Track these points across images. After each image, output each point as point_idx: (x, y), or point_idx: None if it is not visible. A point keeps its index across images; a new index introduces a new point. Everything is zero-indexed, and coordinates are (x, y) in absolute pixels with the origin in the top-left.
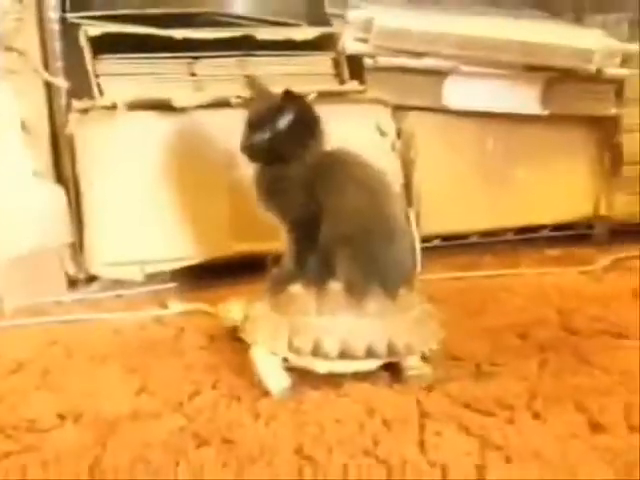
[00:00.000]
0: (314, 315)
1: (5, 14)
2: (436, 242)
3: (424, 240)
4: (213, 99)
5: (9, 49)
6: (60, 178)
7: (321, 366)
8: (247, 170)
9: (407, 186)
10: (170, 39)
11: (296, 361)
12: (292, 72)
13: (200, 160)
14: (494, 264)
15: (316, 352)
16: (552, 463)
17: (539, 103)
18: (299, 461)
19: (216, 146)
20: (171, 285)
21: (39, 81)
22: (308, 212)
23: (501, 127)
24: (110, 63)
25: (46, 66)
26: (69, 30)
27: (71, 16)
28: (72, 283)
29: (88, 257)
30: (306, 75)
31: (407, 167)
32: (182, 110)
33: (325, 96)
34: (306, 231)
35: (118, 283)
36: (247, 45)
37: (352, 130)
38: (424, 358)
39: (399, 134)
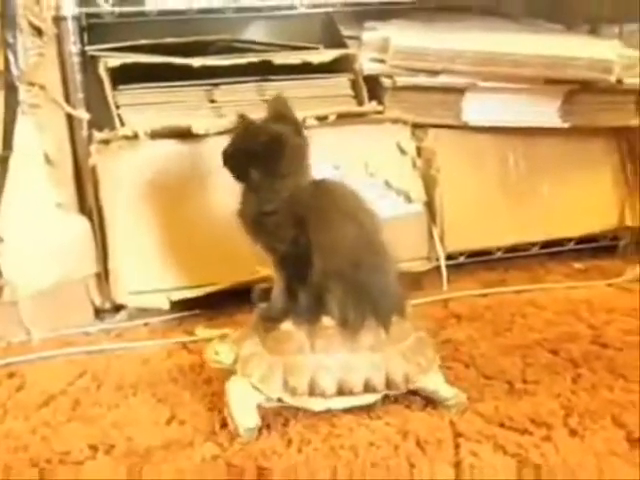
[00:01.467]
0: (308, 353)
1: (27, 50)
2: (461, 259)
3: (449, 257)
4: (233, 125)
5: (31, 84)
6: (83, 209)
7: (317, 404)
8: None
9: (430, 204)
10: (188, 67)
11: (291, 401)
12: (311, 95)
13: (220, 185)
14: (520, 279)
15: (312, 391)
16: None
17: (559, 116)
18: None
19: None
20: (197, 312)
21: (61, 114)
22: (298, 247)
23: (522, 141)
24: (130, 93)
25: (67, 99)
26: (88, 63)
27: (90, 49)
28: (98, 313)
29: (113, 287)
30: (325, 97)
31: (429, 185)
32: (203, 137)
33: (344, 117)
34: (296, 267)
35: (144, 312)
36: (265, 70)
37: (373, 150)
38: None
39: (419, 152)
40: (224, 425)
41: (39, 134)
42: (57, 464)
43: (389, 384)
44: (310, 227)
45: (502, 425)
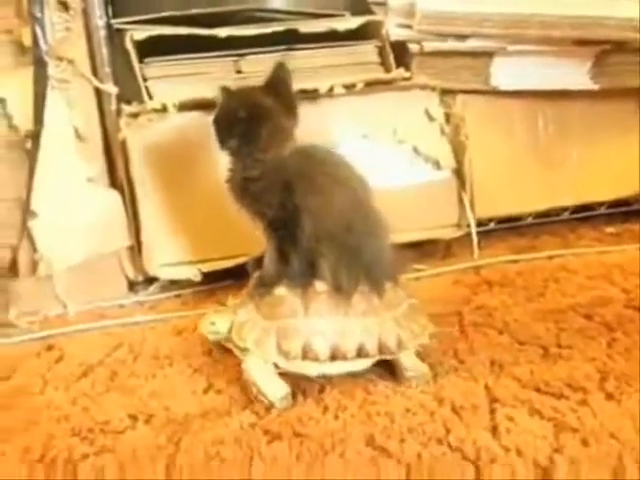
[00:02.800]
0: (301, 317)
1: (54, 25)
2: (491, 225)
3: (479, 224)
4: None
5: (59, 59)
6: (114, 183)
7: (312, 369)
8: None
9: (459, 170)
10: (214, 38)
11: (286, 365)
12: (337, 63)
13: None
14: (552, 245)
15: (306, 355)
16: (630, 443)
17: (590, 78)
18: (371, 452)
19: None
20: (228, 283)
21: (89, 88)
22: (285, 212)
23: (551, 105)
24: (157, 66)
25: (95, 73)
26: (114, 36)
27: (116, 22)
28: (131, 286)
29: (146, 259)
30: (352, 65)
31: (458, 151)
32: None
33: (372, 85)
34: (286, 232)
35: (176, 283)
36: (290, 39)
37: (401, 117)
38: (419, 355)
39: (448, 118)
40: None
41: (68, 109)
42: (98, 433)
43: (382, 349)
44: (298, 191)
45: (538, 390)
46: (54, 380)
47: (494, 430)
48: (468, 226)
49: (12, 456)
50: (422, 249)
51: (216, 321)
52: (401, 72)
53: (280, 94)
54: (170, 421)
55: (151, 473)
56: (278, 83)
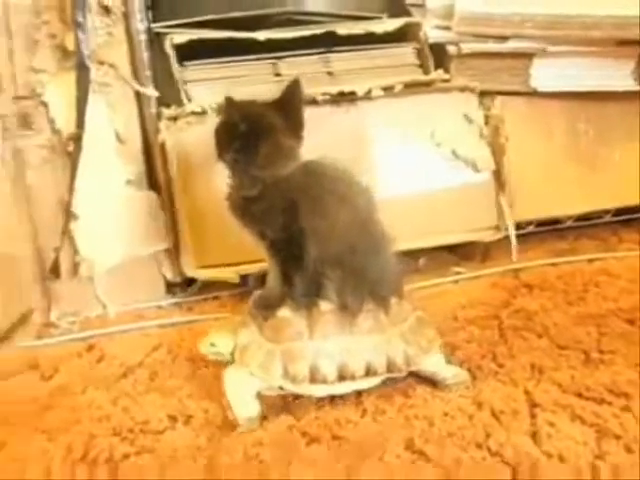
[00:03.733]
0: (307, 339)
1: (96, 29)
2: (530, 228)
3: (518, 227)
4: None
5: (100, 63)
6: (153, 185)
7: (319, 390)
8: None
9: (498, 173)
10: (253, 41)
11: (292, 388)
12: (376, 65)
13: None
14: (593, 248)
15: (314, 378)
16: None
17: (633, 78)
18: (411, 456)
19: (304, 143)
20: None
21: (130, 92)
22: (289, 234)
23: (592, 107)
24: (196, 69)
25: (135, 77)
26: (154, 40)
27: (156, 26)
28: (170, 287)
29: (184, 261)
30: (390, 67)
31: (497, 153)
32: None
33: (410, 87)
34: (289, 253)
35: (214, 285)
36: (329, 42)
37: (439, 120)
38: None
39: (487, 121)
40: (298, 396)
41: (109, 112)
42: (138, 433)
43: (390, 366)
44: (302, 213)
45: (579, 395)
46: (95, 380)
47: (535, 435)
48: (507, 229)
49: (55, 455)
50: (460, 252)
51: (216, 342)
52: (440, 74)
53: (288, 112)
54: (209, 422)
55: (191, 473)
56: (289, 100)
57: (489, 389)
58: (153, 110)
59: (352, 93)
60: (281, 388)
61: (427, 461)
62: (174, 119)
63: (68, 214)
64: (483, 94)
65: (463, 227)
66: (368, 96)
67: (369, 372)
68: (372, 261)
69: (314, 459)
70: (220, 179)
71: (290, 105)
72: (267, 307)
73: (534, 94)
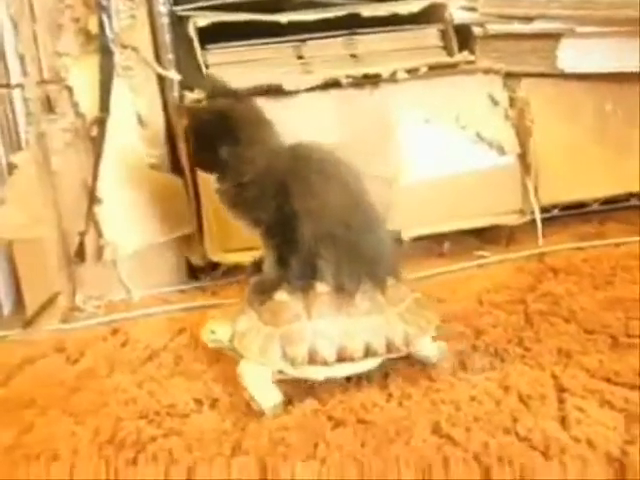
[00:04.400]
0: (305, 321)
1: (119, 13)
2: (556, 212)
3: (543, 210)
4: (323, 80)
5: (123, 46)
6: (177, 169)
7: (319, 373)
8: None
9: (523, 156)
10: (275, 24)
11: (292, 372)
12: (400, 47)
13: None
14: (619, 232)
15: (313, 360)
16: None
17: None
18: (438, 440)
19: (328, 126)
20: None
21: (152, 75)
22: (282, 216)
23: (620, 88)
24: (218, 52)
25: (158, 60)
26: (176, 23)
27: (178, 9)
28: (193, 271)
29: (207, 245)
30: (414, 49)
31: (522, 136)
32: (293, 94)
33: (435, 69)
34: (284, 236)
35: (237, 269)
36: (352, 23)
37: (464, 102)
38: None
39: (512, 103)
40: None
41: (132, 96)
42: (165, 416)
43: (389, 347)
44: (293, 193)
45: (608, 380)
46: (120, 364)
47: (563, 420)
48: (532, 212)
49: (83, 437)
50: (485, 236)
51: (216, 330)
52: (465, 56)
53: (227, 94)
54: (234, 406)
55: (218, 456)
56: (217, 88)
57: (516, 373)
58: (176, 94)
59: (376, 75)
60: (281, 372)
61: (454, 445)
62: (197, 102)
63: (92, 198)
64: (508, 76)
65: (488, 211)
66: (392, 78)
67: (368, 353)
68: (366, 239)
69: (340, 444)
70: None
71: (220, 90)
72: (264, 292)
73: (560, 76)
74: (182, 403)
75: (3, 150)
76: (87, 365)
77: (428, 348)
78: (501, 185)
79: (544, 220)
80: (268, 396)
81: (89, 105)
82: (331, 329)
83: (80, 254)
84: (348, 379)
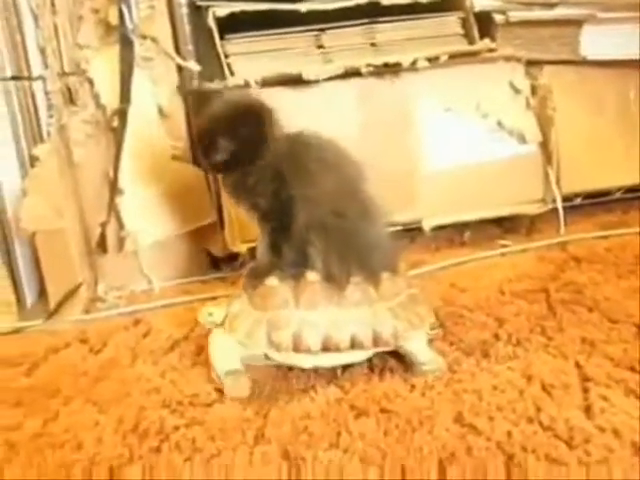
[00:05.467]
0: (292, 308)
1: (138, 3)
2: (578, 201)
3: (565, 199)
4: (343, 70)
5: (143, 37)
6: (196, 160)
7: (305, 361)
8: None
9: (545, 144)
10: (294, 13)
11: (278, 357)
12: (420, 35)
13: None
14: None
15: (297, 347)
16: None
17: None
18: (460, 429)
19: (349, 115)
20: None
21: (172, 66)
22: (279, 202)
23: None
24: (238, 42)
25: (177, 51)
26: (195, 13)
27: None
28: (214, 262)
29: (228, 235)
30: (435, 37)
31: (544, 124)
32: (313, 83)
33: (456, 57)
34: (279, 221)
35: None
36: (372, 12)
37: (485, 90)
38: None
39: (534, 91)
40: (346, 367)
41: (152, 87)
42: (188, 406)
43: (377, 340)
44: (290, 179)
45: (632, 369)
46: (143, 353)
47: (587, 410)
48: (554, 201)
49: (107, 426)
50: (506, 225)
51: (213, 312)
52: (486, 43)
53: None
54: (256, 395)
55: (241, 444)
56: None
57: (539, 362)
58: (195, 84)
59: (397, 64)
60: (267, 357)
61: (477, 435)
62: (217, 93)
63: (114, 189)
64: (530, 63)
65: (509, 200)
66: (413, 67)
67: (354, 345)
68: (359, 229)
69: (363, 433)
70: None
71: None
72: (257, 277)
73: (583, 63)
74: (204, 393)
75: (25, 142)
76: (110, 355)
77: (422, 353)
78: (522, 174)
79: (566, 209)
80: (226, 363)
81: (110, 96)
82: (318, 318)
83: (102, 245)
84: (371, 369)
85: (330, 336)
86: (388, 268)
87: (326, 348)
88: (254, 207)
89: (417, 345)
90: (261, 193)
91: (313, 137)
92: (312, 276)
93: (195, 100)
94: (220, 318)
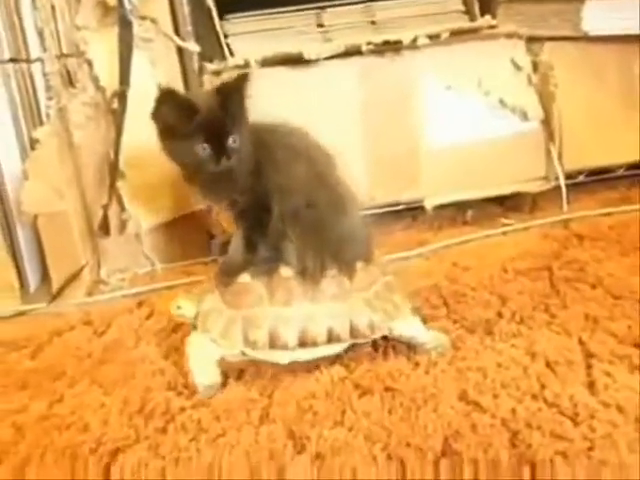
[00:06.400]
0: (267, 305)
1: None
2: (580, 178)
3: (567, 177)
4: (344, 48)
5: (142, 18)
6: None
7: (282, 357)
8: None
9: (547, 121)
10: None
11: (254, 355)
12: (421, 13)
13: (333, 111)
14: None
15: (274, 344)
16: None
17: None
18: (465, 407)
19: (349, 94)
20: None
21: (171, 47)
22: (256, 196)
23: None
24: (237, 22)
25: (177, 32)
26: None
27: None
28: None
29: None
30: (435, 15)
31: (546, 101)
32: (313, 62)
33: (457, 35)
34: (257, 216)
35: None
36: None
37: (486, 67)
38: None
39: (535, 67)
40: (349, 347)
41: (152, 68)
42: (193, 388)
43: (354, 333)
44: (264, 170)
45: (636, 345)
46: (146, 335)
47: (591, 386)
48: (556, 179)
49: (112, 407)
50: (508, 203)
51: (182, 305)
52: (487, 20)
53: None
54: (260, 376)
55: (246, 424)
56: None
57: (543, 340)
58: (195, 65)
59: (397, 42)
60: (244, 354)
61: (482, 412)
62: (217, 73)
63: (115, 172)
64: (531, 40)
65: (511, 178)
66: (414, 45)
67: (331, 338)
68: (333, 219)
69: (367, 411)
70: None
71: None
72: (229, 274)
73: (585, 38)
74: None
75: (25, 125)
76: (114, 337)
77: (421, 335)
78: (524, 151)
79: (569, 186)
80: (206, 375)
81: (109, 78)
82: (293, 314)
83: (104, 228)
84: (375, 348)
85: (306, 331)
86: (362, 257)
87: (303, 343)
88: (233, 203)
89: (412, 329)
90: (241, 188)
91: (278, 125)
92: (286, 272)
93: None
94: (189, 312)
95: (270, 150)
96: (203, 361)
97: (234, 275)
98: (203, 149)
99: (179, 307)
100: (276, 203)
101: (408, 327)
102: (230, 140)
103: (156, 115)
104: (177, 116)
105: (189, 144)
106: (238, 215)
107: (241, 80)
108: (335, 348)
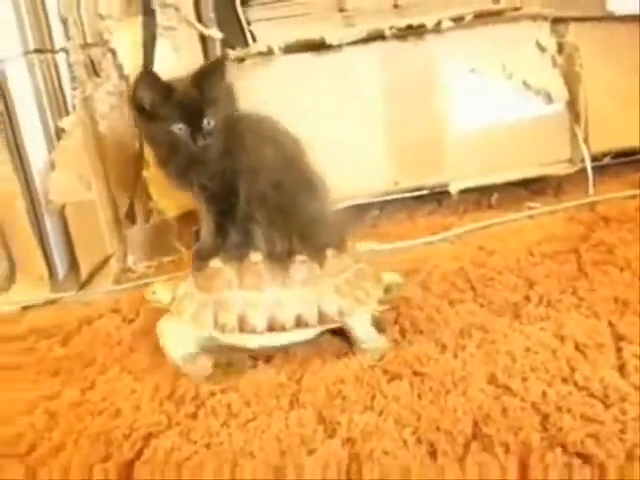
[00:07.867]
0: (236, 289)
1: None
2: (606, 160)
3: (593, 159)
4: (366, 33)
5: (165, 6)
6: None
7: (251, 341)
8: None
9: (572, 103)
10: None
11: (224, 338)
12: None
13: (357, 97)
14: None
15: (243, 328)
16: None
17: None
18: (495, 390)
19: (372, 80)
20: None
21: (194, 34)
22: (224, 181)
23: None
24: (259, 8)
25: (199, 19)
26: None
27: None
28: None
29: None
30: None
31: (571, 83)
32: (336, 47)
33: (481, 17)
34: (227, 201)
35: None
36: None
37: (510, 50)
38: (376, 323)
39: (560, 49)
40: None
41: (175, 56)
42: (222, 374)
43: (322, 318)
44: (234, 154)
45: None
46: None
47: (622, 368)
48: (582, 161)
49: (143, 393)
50: (533, 187)
51: (157, 291)
52: (511, 2)
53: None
54: (289, 361)
55: (275, 408)
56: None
57: (571, 323)
58: (218, 52)
59: (421, 26)
60: (214, 339)
61: (512, 395)
62: (240, 60)
63: (140, 161)
64: (556, 21)
65: (536, 161)
66: (437, 28)
67: (300, 324)
68: (300, 201)
69: (396, 395)
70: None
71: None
72: (201, 258)
73: (610, 19)
74: (238, 360)
75: (51, 115)
76: (142, 325)
77: (364, 331)
78: (550, 134)
79: (594, 169)
80: (180, 347)
81: (133, 67)
82: (263, 299)
83: (130, 216)
84: (403, 334)
85: (275, 316)
86: (333, 244)
87: (271, 328)
88: (203, 188)
89: (360, 323)
90: (211, 172)
91: (250, 113)
92: (256, 257)
93: None
94: (164, 297)
95: (240, 135)
96: (177, 337)
97: (205, 259)
98: (179, 129)
99: (154, 292)
100: (244, 184)
101: (358, 318)
102: (205, 121)
103: (134, 97)
104: (154, 98)
105: (166, 124)
106: (208, 200)
107: (217, 64)
108: (305, 334)
